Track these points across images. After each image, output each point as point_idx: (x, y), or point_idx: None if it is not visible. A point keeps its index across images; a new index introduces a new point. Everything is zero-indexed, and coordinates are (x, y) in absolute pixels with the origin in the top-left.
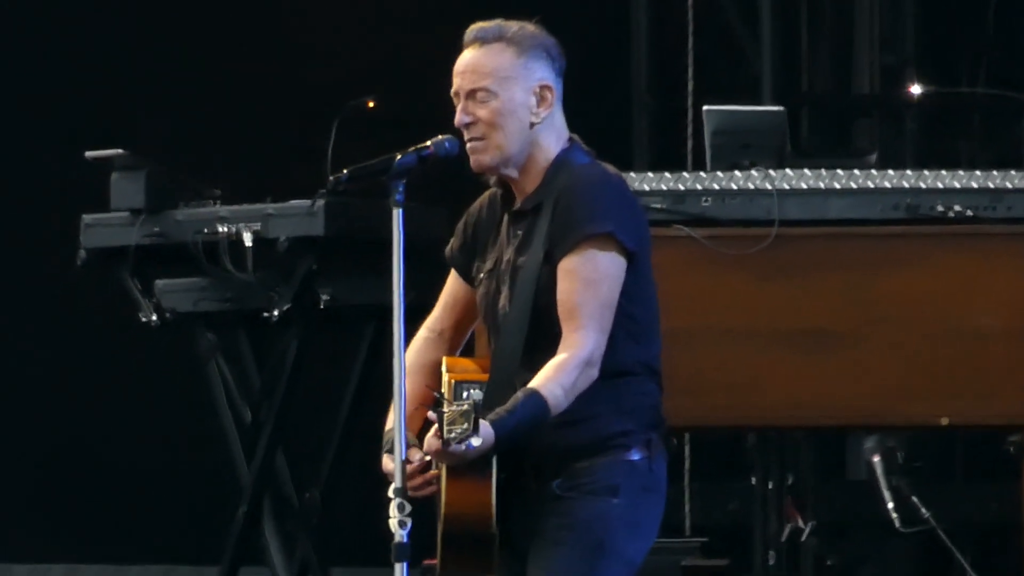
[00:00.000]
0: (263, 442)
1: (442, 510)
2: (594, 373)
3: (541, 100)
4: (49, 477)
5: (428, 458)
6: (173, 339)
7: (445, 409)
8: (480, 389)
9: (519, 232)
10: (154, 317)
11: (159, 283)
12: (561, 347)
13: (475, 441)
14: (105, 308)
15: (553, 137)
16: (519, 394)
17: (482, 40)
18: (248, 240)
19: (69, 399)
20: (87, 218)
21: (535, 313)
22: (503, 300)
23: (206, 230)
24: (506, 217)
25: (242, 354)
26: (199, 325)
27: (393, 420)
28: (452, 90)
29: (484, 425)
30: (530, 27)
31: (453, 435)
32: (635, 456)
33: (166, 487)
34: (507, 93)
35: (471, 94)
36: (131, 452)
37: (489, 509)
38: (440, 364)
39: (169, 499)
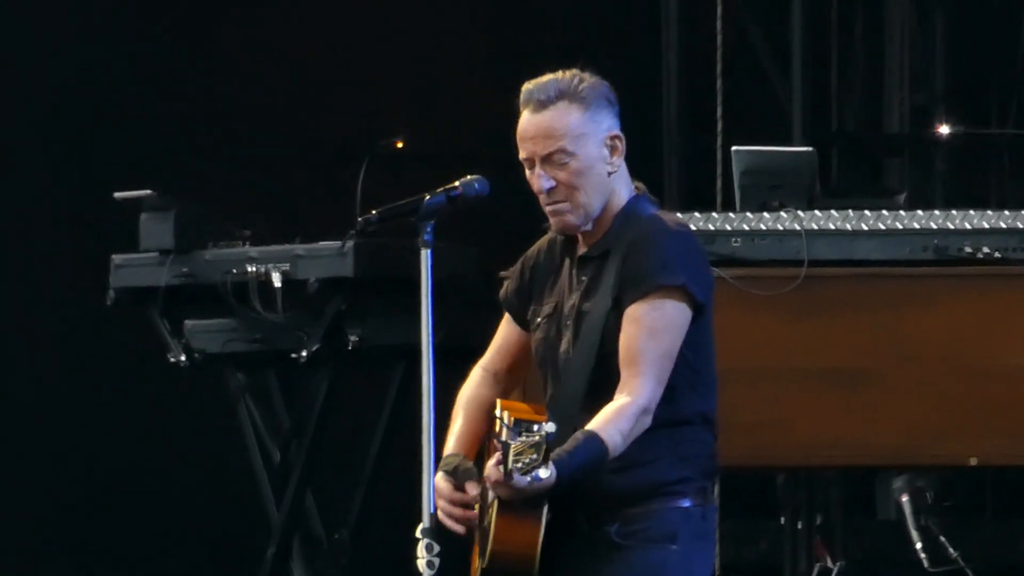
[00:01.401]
0: (292, 482)
1: (489, 545)
2: (648, 421)
3: (613, 150)
4: (78, 519)
5: (478, 492)
6: (202, 380)
7: (513, 440)
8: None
9: (584, 278)
10: (183, 357)
11: (188, 323)
12: (619, 391)
13: (543, 473)
14: (134, 348)
15: (623, 184)
16: (579, 435)
17: (545, 101)
18: (277, 281)
19: (98, 440)
20: (117, 258)
21: (600, 359)
22: (565, 345)
23: (235, 271)
24: (567, 262)
25: (271, 395)
26: (228, 366)
27: (451, 447)
28: (522, 156)
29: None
30: (585, 77)
31: (520, 465)
32: (689, 503)
33: (195, 528)
34: (583, 151)
35: (547, 159)
36: (160, 493)
37: (535, 550)
38: (493, 402)
39: (198, 540)
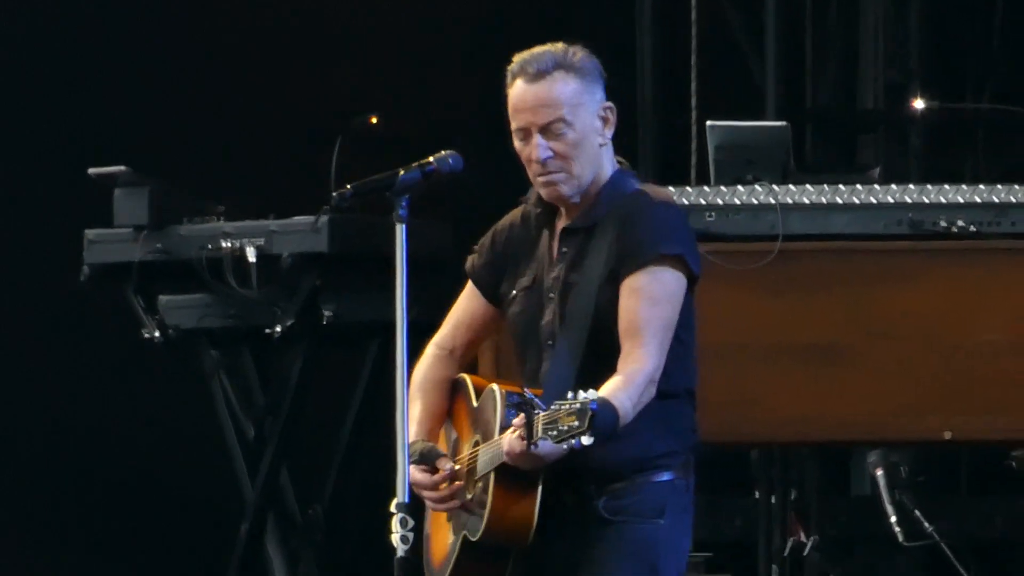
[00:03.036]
0: (267, 458)
1: (486, 517)
2: (653, 391)
3: (605, 121)
4: (50, 493)
5: (458, 468)
6: (176, 355)
7: (549, 408)
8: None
9: (566, 250)
10: (157, 333)
11: (162, 299)
12: (624, 362)
13: (585, 440)
14: (108, 324)
15: (609, 157)
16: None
17: (541, 71)
18: (252, 256)
19: (71, 416)
20: (90, 234)
21: (592, 333)
22: (549, 316)
23: (210, 246)
24: (545, 234)
25: (245, 370)
26: (202, 341)
27: (413, 433)
28: (515, 126)
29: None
30: (576, 50)
31: (554, 433)
32: (674, 476)
33: (169, 504)
34: (580, 121)
35: (545, 128)
36: (134, 469)
37: (531, 520)
38: (450, 382)
39: (172, 516)
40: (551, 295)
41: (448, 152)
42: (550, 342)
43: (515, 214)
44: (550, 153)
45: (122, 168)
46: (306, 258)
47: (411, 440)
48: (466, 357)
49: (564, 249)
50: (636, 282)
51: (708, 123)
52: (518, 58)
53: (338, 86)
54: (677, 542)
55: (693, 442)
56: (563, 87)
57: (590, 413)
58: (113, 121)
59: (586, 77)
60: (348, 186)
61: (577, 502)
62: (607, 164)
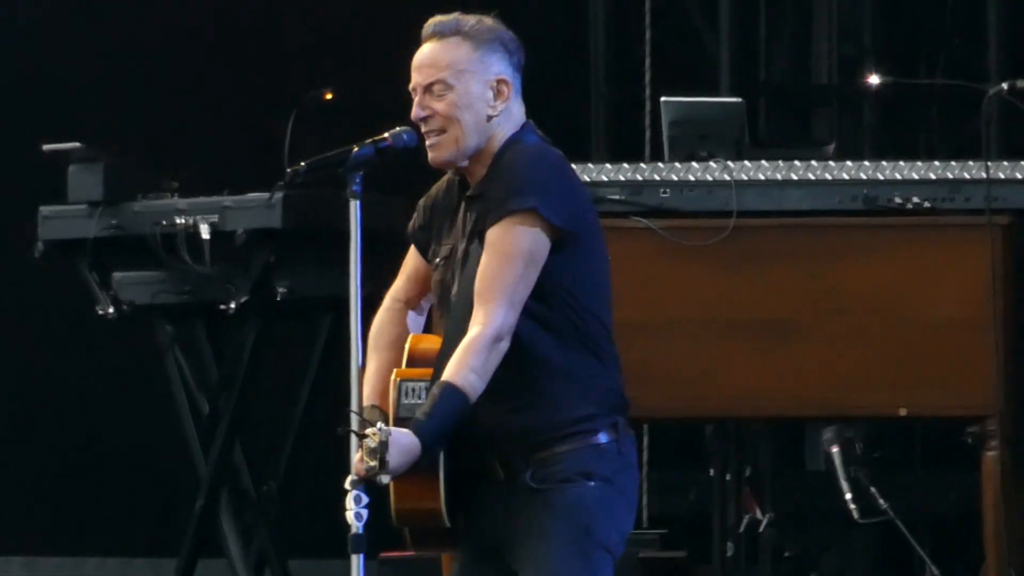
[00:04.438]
0: (221, 434)
1: (392, 505)
2: (504, 346)
3: (498, 94)
4: (3, 470)
5: None
6: (131, 331)
7: (364, 434)
8: (426, 390)
9: (470, 218)
10: (111, 309)
11: (117, 275)
12: (471, 323)
13: (384, 478)
14: (63, 300)
15: (509, 128)
16: (435, 390)
17: (439, 34)
18: (206, 232)
19: (24, 391)
20: (45, 210)
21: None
22: (455, 288)
23: (164, 222)
24: (463, 205)
25: (200, 346)
26: (157, 317)
27: (366, 395)
28: (410, 85)
29: (403, 437)
30: (487, 20)
31: (366, 467)
32: (603, 439)
33: (123, 479)
34: (463, 86)
35: (428, 88)
36: (88, 444)
37: (438, 503)
38: (405, 337)
39: (127, 492)
40: (457, 266)
41: (403, 128)
42: (451, 312)
43: (443, 181)
44: (423, 112)
45: (76, 144)
46: (260, 234)
47: (364, 403)
48: (424, 306)
49: (468, 218)
50: (490, 238)
51: (662, 99)
52: (430, 20)
53: (293, 60)
54: (611, 503)
55: (616, 403)
56: (451, 51)
57: (379, 453)
58: (66, 97)
59: (483, 46)
60: (302, 162)
61: (507, 474)
62: (505, 134)
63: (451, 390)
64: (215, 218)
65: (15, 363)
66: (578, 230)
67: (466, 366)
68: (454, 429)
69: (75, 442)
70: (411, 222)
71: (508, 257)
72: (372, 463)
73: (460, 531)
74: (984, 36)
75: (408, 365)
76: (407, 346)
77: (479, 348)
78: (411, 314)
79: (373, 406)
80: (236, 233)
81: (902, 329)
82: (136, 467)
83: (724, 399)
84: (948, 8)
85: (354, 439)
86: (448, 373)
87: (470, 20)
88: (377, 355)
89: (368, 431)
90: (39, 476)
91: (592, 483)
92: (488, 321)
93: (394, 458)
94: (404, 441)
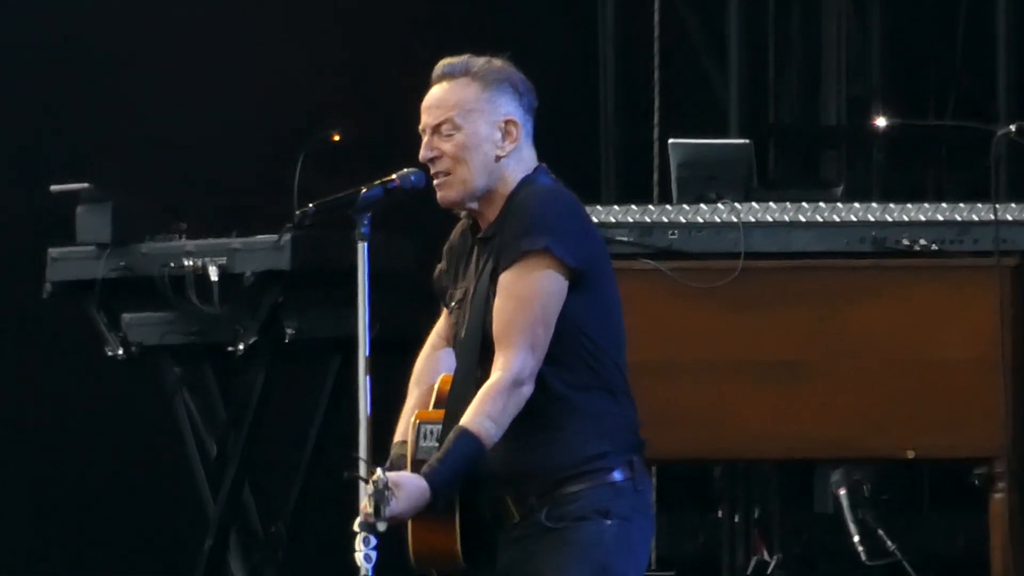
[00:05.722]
0: (229, 475)
1: (410, 547)
2: (526, 391)
3: (506, 134)
4: (12, 512)
5: None
6: (139, 372)
7: (367, 483)
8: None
9: (481, 262)
10: (120, 351)
11: (125, 316)
12: (493, 368)
13: (380, 526)
14: (71, 342)
15: (520, 171)
16: (451, 435)
17: (449, 75)
18: (214, 274)
19: (34, 433)
20: (53, 251)
21: (484, 337)
22: (463, 331)
23: (172, 264)
24: (476, 247)
25: (208, 387)
26: (165, 359)
27: (399, 431)
28: (419, 126)
29: (410, 483)
30: (497, 62)
31: (364, 514)
32: (618, 477)
33: (132, 520)
34: (471, 127)
35: (436, 128)
36: (96, 487)
37: (455, 545)
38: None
39: (135, 532)
40: (467, 310)
41: (411, 169)
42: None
43: (460, 225)
44: (431, 153)
45: (84, 185)
46: (268, 276)
47: (395, 439)
48: None
49: (480, 262)
50: (504, 281)
51: (670, 141)
52: (441, 61)
53: (301, 102)
54: (629, 543)
55: (631, 441)
56: (460, 91)
57: (377, 502)
58: (75, 138)
59: (492, 87)
60: (310, 204)
61: (522, 514)
62: (515, 176)
63: (465, 436)
64: (223, 260)
65: (24, 404)
66: (592, 270)
67: (483, 412)
68: (467, 474)
69: (83, 483)
70: (438, 267)
71: (524, 300)
72: (369, 510)
73: (478, 572)
74: (993, 77)
75: (436, 405)
76: (436, 386)
77: (496, 394)
78: (452, 352)
79: (402, 442)
80: (244, 275)
81: (910, 371)
82: (145, 508)
83: (732, 440)
84: (957, 49)
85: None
86: (465, 418)
87: (480, 61)
88: (416, 390)
89: (366, 477)
90: (47, 519)
91: (609, 521)
92: (507, 366)
93: (400, 503)
94: (411, 487)
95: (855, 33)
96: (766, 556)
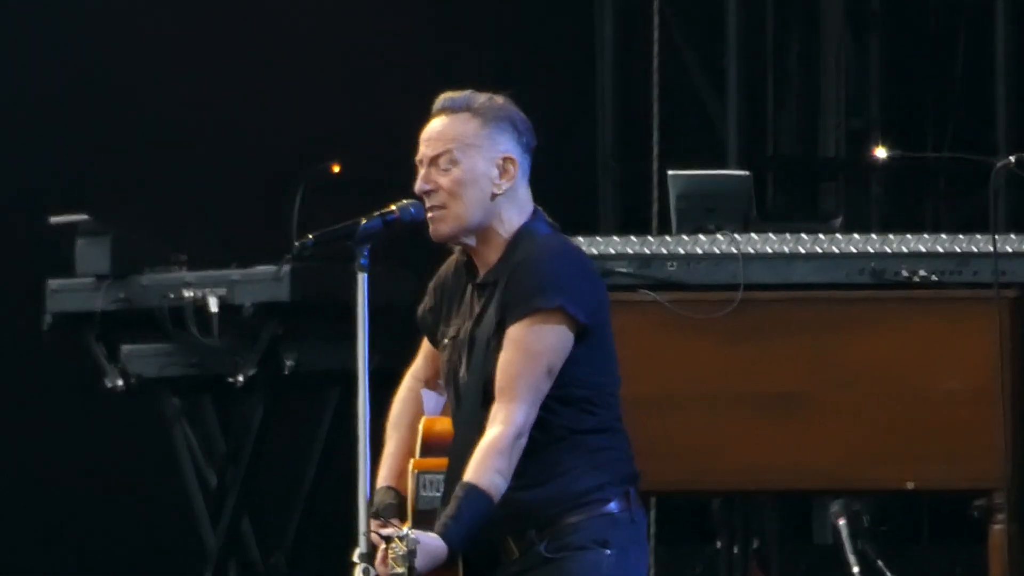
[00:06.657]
0: (228, 507)
1: None
2: (524, 443)
3: (503, 172)
4: (11, 543)
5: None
6: (138, 404)
7: (393, 537)
8: (444, 482)
9: (477, 306)
10: (119, 382)
11: (125, 348)
12: (492, 419)
13: None
14: (71, 373)
15: (515, 211)
16: (459, 492)
17: (449, 109)
18: (214, 306)
19: (31, 465)
20: (53, 283)
21: (487, 382)
22: (462, 371)
23: (172, 295)
24: (470, 288)
25: (207, 419)
26: (164, 390)
27: (382, 476)
28: (417, 157)
29: (431, 543)
30: (499, 99)
31: (390, 573)
32: (614, 508)
33: (131, 552)
34: (469, 162)
35: (434, 160)
36: (96, 518)
37: None
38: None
39: (135, 565)
40: (463, 349)
41: (410, 201)
42: (462, 393)
43: (452, 261)
44: (426, 186)
45: (83, 217)
46: (268, 307)
47: (379, 484)
48: (441, 384)
49: (475, 306)
50: (513, 334)
51: (669, 172)
52: (442, 94)
53: (300, 133)
54: (627, 573)
55: (627, 473)
56: (460, 125)
57: (408, 563)
58: (74, 170)
59: (491, 123)
60: (310, 236)
61: (521, 550)
62: (512, 216)
63: (477, 493)
64: (223, 291)
65: (22, 436)
66: (598, 321)
67: (491, 468)
68: (480, 532)
69: (83, 515)
70: (422, 304)
71: (533, 355)
72: (400, 570)
73: None
74: (992, 109)
75: (423, 451)
76: (421, 430)
77: (502, 449)
78: (431, 393)
79: (388, 487)
80: (244, 306)
81: (909, 402)
82: (144, 539)
83: (731, 472)
84: (956, 81)
85: (369, 520)
86: (473, 474)
87: (481, 97)
88: (396, 434)
89: (395, 535)
90: (46, 550)
91: (608, 551)
92: (511, 420)
93: (421, 562)
94: (432, 547)
95: (854, 65)
96: None
